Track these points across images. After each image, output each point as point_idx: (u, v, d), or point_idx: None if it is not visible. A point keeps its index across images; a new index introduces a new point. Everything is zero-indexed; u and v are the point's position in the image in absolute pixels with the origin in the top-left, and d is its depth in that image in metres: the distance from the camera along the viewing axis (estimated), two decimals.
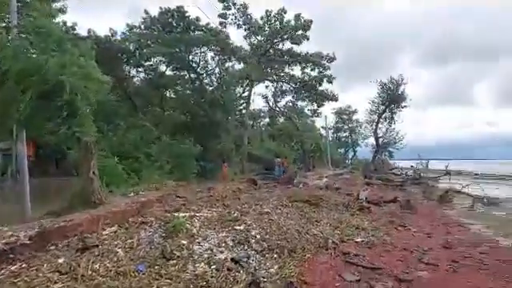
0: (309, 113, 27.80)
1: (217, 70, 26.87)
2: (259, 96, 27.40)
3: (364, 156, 41.81)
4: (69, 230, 5.16)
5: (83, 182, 8.59)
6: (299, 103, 25.51)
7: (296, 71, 22.28)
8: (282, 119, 30.68)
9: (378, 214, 10.94)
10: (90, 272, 4.14)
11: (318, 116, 29.99)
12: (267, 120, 30.83)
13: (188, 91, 27.55)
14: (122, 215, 6.67)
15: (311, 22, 19.51)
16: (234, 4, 22.15)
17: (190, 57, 26.19)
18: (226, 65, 26.36)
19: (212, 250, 5.36)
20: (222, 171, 18.26)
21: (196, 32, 24.34)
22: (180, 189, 11.76)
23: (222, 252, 5.39)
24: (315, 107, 25.48)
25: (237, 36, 27.40)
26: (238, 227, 6.78)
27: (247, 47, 22.03)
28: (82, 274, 4.06)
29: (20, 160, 10.11)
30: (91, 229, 5.76)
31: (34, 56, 7.51)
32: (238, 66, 25.44)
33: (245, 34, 22.49)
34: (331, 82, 21.01)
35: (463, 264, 6.17)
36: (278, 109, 28.28)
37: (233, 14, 22.87)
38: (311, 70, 21.45)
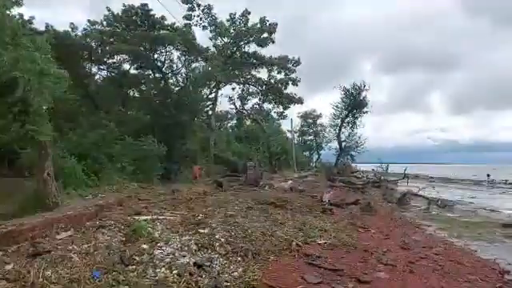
0: (275, 115, 28.13)
1: (183, 70, 26.48)
2: (226, 98, 27.39)
3: (327, 159, 42.81)
4: (18, 234, 4.84)
5: (37, 184, 8.17)
6: (265, 105, 25.74)
7: (262, 74, 22.56)
8: (248, 122, 30.75)
9: (340, 215, 11.17)
10: (41, 279, 3.90)
11: (283, 118, 30.42)
12: (234, 122, 30.78)
13: (152, 91, 26.92)
14: (78, 219, 6.38)
15: (276, 24, 19.79)
16: (199, 5, 21.96)
17: (156, 56, 25.64)
18: (193, 65, 26.03)
19: (174, 255, 5.22)
20: (194, 172, 17.97)
21: (161, 31, 23.82)
22: (142, 191, 11.46)
23: (184, 256, 5.26)
24: (281, 110, 25.82)
25: (202, 37, 27.13)
26: (202, 230, 6.69)
27: (213, 49, 21.87)
28: (31, 282, 3.82)
29: None
30: (44, 233, 5.46)
31: None
32: (205, 67, 25.18)
33: (210, 35, 22.37)
34: (296, 85, 21.47)
35: (419, 264, 6.45)
36: (244, 111, 28.35)
37: (198, 16, 22.68)
38: (277, 73, 21.74)
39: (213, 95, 26.23)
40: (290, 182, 16.45)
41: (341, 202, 13.16)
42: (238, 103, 26.74)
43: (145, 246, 5.40)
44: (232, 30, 21.23)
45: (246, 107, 27.34)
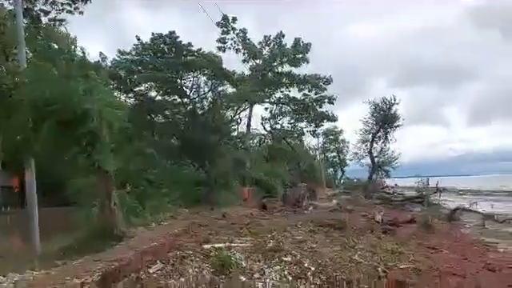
0: (307, 133, 27.88)
1: (209, 93, 26.73)
2: (254, 117, 27.30)
3: (353, 175, 42.16)
4: (122, 270, 4.66)
5: (104, 214, 8.04)
6: (298, 124, 25.56)
7: (293, 92, 22.53)
8: (269, 141, 30.58)
9: (402, 235, 10.70)
10: None
11: (316, 137, 30.12)
12: (264, 141, 30.63)
13: (178, 115, 27.16)
14: (160, 250, 6.17)
15: (310, 45, 19.84)
16: (234, 29, 22.28)
17: (183, 81, 25.99)
18: (220, 88, 26.26)
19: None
20: (243, 193, 17.80)
21: (188, 57, 24.25)
22: (196, 217, 11.26)
23: None
24: (313, 128, 25.62)
25: (235, 60, 27.58)
26: (285, 258, 6.37)
27: (246, 71, 22.07)
28: None
29: (29, 191, 9.42)
30: (136, 266, 5.27)
31: (58, 83, 7.02)
32: (231, 90, 25.33)
33: (243, 57, 22.59)
34: (332, 103, 21.33)
35: None
36: (274, 130, 28.23)
37: (232, 39, 23.03)
38: (308, 91, 21.66)
39: (245, 116, 26.31)
40: (335, 201, 16.01)
41: (395, 221, 12.64)
42: (269, 122, 26.77)
43: (243, 278, 5.14)
44: (265, 52, 21.43)
45: (277, 126, 27.32)
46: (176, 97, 26.85)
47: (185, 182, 16.90)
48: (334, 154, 48.65)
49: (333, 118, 22.44)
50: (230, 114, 27.89)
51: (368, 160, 27.23)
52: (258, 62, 21.63)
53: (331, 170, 47.85)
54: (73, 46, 8.27)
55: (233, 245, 7.32)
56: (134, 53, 24.54)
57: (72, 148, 7.71)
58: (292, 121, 25.39)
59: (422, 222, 12.24)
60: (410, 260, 7.65)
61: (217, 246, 7.19)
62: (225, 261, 5.67)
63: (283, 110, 24.29)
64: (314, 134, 27.48)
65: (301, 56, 19.95)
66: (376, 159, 26.82)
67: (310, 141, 32.53)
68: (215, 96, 26.67)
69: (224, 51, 22.66)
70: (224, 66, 24.76)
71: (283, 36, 20.67)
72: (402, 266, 7.20)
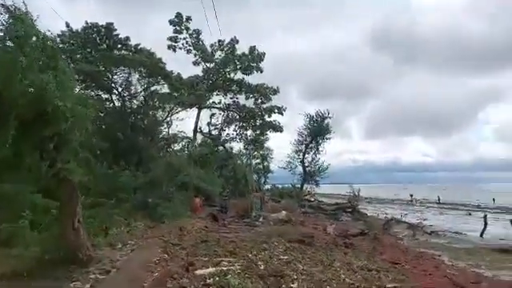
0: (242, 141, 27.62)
1: (142, 93, 24.90)
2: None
3: (276, 182, 43.49)
4: None
5: (66, 234, 6.69)
6: (243, 131, 25.17)
7: (241, 100, 22.12)
8: (211, 146, 29.76)
9: (360, 249, 11.10)
10: None
11: (260, 145, 30.07)
12: (194, 146, 29.48)
13: (108, 114, 24.74)
14: (163, 283, 5.28)
15: (264, 54, 19.69)
16: (188, 29, 20.93)
17: (114, 77, 23.75)
18: (153, 88, 24.65)
19: None
20: (195, 204, 16.49)
21: (122, 51, 22.27)
22: (154, 232, 10.15)
23: None
24: (259, 136, 25.52)
25: (186, 61, 26.00)
26: (292, 285, 5.99)
27: (200, 73, 20.92)
28: None
29: None
30: None
31: (27, 73, 5.57)
32: (165, 90, 23.93)
33: (194, 59, 21.38)
34: (282, 114, 21.47)
35: None
36: (214, 136, 27.44)
37: (184, 39, 21.62)
38: (255, 100, 21.52)
39: (177, 118, 25.05)
40: (284, 212, 16.02)
41: (345, 234, 13.13)
42: (214, 128, 25.86)
43: None
44: (217, 56, 20.63)
45: (225, 133, 26.65)
46: (102, 93, 24.34)
47: (123, 191, 15.24)
48: (259, 160, 49.24)
49: (279, 128, 22.70)
50: (160, 115, 26.44)
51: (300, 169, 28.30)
52: (209, 65, 20.78)
53: (256, 176, 48.38)
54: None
55: (224, 268, 6.66)
56: (58, 40, 21.58)
57: (34, 153, 6.28)
58: (237, 128, 25.01)
59: (370, 235, 12.92)
60: (391, 279, 7.90)
61: (208, 271, 6.48)
62: None
63: (230, 116, 23.79)
64: (257, 142, 27.48)
65: (255, 65, 19.76)
66: (307, 169, 27.95)
67: (238, 147, 32.42)
68: (148, 95, 24.90)
69: (175, 50, 21.29)
70: (173, 66, 23.40)
71: (237, 42, 20.23)
72: (388, 286, 7.37)
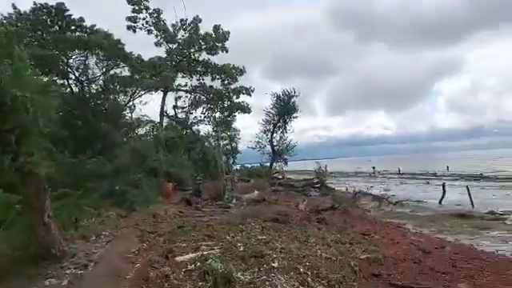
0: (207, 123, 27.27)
1: (101, 77, 23.80)
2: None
3: (244, 162, 43.84)
4: None
5: (35, 230, 6.40)
6: (211, 113, 24.72)
7: (207, 81, 21.58)
8: (177, 129, 29.21)
9: (332, 223, 11.50)
10: None
11: (228, 127, 29.89)
12: (158, 130, 28.87)
13: (66, 101, 23.48)
14: (144, 271, 5.21)
15: (229, 33, 19.04)
16: (147, 8, 19.79)
17: (69, 61, 22.43)
18: (112, 72, 23.59)
19: None
20: (167, 189, 16.13)
21: (77, 33, 20.97)
22: (128, 221, 9.94)
23: None
24: (227, 118, 25.23)
25: (147, 42, 24.74)
26: (274, 264, 6.12)
27: (163, 55, 20.03)
28: None
29: None
30: None
31: None
32: (126, 73, 22.98)
33: (155, 40, 20.39)
34: (250, 95, 21.15)
35: (463, 267, 7.08)
36: (179, 118, 26.86)
37: (143, 19, 20.43)
38: (221, 81, 21.06)
39: (140, 102, 24.30)
40: (257, 192, 16.20)
41: (316, 209, 13.51)
42: (181, 111, 25.18)
43: None
44: (180, 36, 19.80)
45: (192, 116, 26.04)
46: (58, 78, 22.96)
47: (90, 180, 14.68)
48: (227, 141, 49.16)
49: (248, 110, 22.51)
50: (122, 99, 25.55)
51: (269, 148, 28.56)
52: (171, 46, 19.97)
53: (224, 157, 48.33)
54: None
55: (204, 253, 6.68)
56: (4, 22, 19.91)
57: None
58: (204, 111, 24.56)
59: (341, 209, 13.40)
60: (364, 250, 8.29)
61: (188, 257, 6.48)
62: (225, 277, 5.10)
63: (197, 98, 23.22)
64: (226, 124, 27.25)
65: (220, 45, 19.20)
66: (276, 148, 28.24)
67: (206, 130, 32.12)
68: (107, 79, 23.81)
69: (134, 31, 20.25)
70: (133, 48, 22.27)
71: (200, 21, 19.45)
72: (362, 257, 7.74)
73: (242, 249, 7.11)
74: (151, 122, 30.27)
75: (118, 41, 21.40)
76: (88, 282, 4.73)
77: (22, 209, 6.98)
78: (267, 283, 5.24)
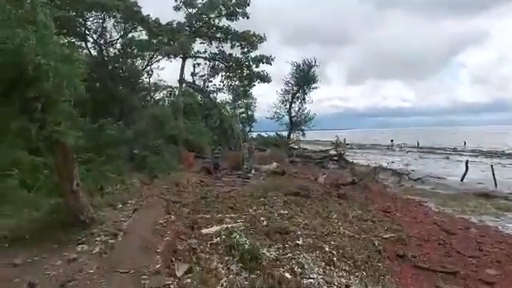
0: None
1: (119, 40, 23.50)
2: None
3: (260, 130, 43.67)
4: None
5: (65, 198, 6.51)
6: (230, 82, 24.34)
7: (226, 48, 21.03)
8: (193, 95, 29.02)
9: (352, 198, 11.42)
10: None
11: (248, 96, 29.61)
12: (175, 95, 28.74)
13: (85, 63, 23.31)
14: (173, 243, 5.28)
15: None
16: None
17: (87, 23, 22.13)
18: (130, 35, 23.22)
19: (327, 281, 4.68)
20: (188, 159, 16.27)
21: None
22: (151, 188, 10.07)
23: (331, 280, 4.77)
24: (245, 87, 24.84)
25: (166, 6, 23.86)
26: (298, 242, 6.12)
27: (182, 20, 19.45)
28: None
29: None
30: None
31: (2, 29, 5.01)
32: (144, 37, 22.55)
33: (175, 4, 19.75)
34: (270, 63, 20.53)
35: (493, 253, 6.95)
36: (197, 86, 26.60)
37: None
38: (241, 48, 20.51)
39: (157, 67, 24.14)
40: (275, 163, 16.17)
41: (336, 183, 13.41)
42: (199, 78, 24.89)
43: (288, 276, 4.72)
44: (200, 1, 19.09)
45: (210, 84, 25.74)
46: (76, 40, 22.76)
47: (112, 146, 14.83)
48: (243, 109, 48.83)
49: (267, 79, 22.02)
50: (140, 63, 25.40)
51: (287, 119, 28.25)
52: (191, 10, 19.36)
53: (240, 125, 48.28)
54: None
55: (229, 226, 6.73)
56: None
57: (19, 117, 5.85)
58: (223, 79, 24.15)
59: (361, 184, 13.27)
60: (387, 229, 8.22)
61: (214, 229, 6.54)
62: (253, 253, 5.12)
63: (215, 66, 22.78)
64: (245, 93, 26.90)
65: (240, 10, 18.49)
66: (294, 119, 27.90)
67: (223, 97, 31.85)
68: (125, 43, 23.52)
69: None
70: (151, 11, 21.71)
71: None
72: (385, 236, 7.68)
73: (265, 223, 7.12)
74: (169, 87, 30.28)
75: (135, 3, 20.86)
76: (120, 252, 4.80)
77: (51, 175, 7.10)
78: (293, 261, 5.23)
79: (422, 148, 45.63)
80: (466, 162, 18.62)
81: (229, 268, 4.90)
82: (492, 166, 17.51)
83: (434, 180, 17.76)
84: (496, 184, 16.13)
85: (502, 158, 30.80)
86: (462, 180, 17.73)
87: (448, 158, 31.63)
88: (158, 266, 4.36)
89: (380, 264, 5.92)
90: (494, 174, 16.64)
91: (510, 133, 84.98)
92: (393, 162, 19.51)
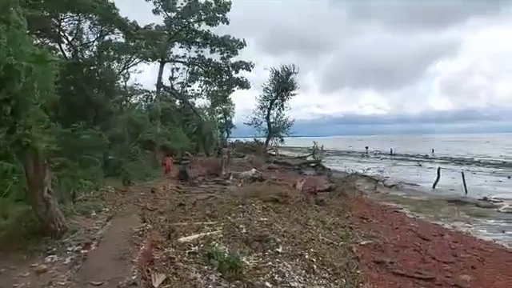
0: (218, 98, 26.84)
1: (95, 43, 22.95)
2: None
3: (238, 136, 43.68)
4: None
5: (34, 206, 6.21)
6: (209, 87, 24.14)
7: (205, 53, 20.85)
8: (169, 100, 28.65)
9: (330, 205, 11.48)
10: None
11: (226, 102, 29.46)
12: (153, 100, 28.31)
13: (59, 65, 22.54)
14: (149, 252, 5.10)
15: (230, 3, 18.13)
16: None
17: (61, 24, 21.47)
18: (107, 37, 22.72)
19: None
20: (167, 164, 15.88)
21: None
22: (126, 196, 9.78)
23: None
24: (224, 92, 24.71)
25: (145, 10, 23.58)
26: (278, 250, 6.07)
27: (161, 23, 19.16)
28: None
29: None
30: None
31: None
32: (121, 40, 22.15)
33: (154, 7, 19.42)
34: (249, 70, 20.52)
35: (465, 257, 7.14)
36: (174, 90, 26.24)
37: None
38: (221, 53, 20.40)
39: (134, 71, 23.70)
40: (254, 170, 16.12)
41: (314, 190, 13.46)
42: (176, 83, 24.53)
43: (268, 285, 4.65)
44: (179, 5, 18.89)
45: (188, 88, 25.46)
46: (49, 41, 22.03)
47: (85, 151, 14.34)
48: (221, 115, 48.66)
49: (247, 85, 21.97)
50: (116, 66, 24.87)
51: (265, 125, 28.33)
52: (170, 14, 19.11)
53: (219, 131, 47.99)
54: None
55: (207, 234, 6.60)
56: None
57: None
58: (202, 84, 23.95)
59: (338, 191, 13.39)
60: (364, 235, 8.31)
61: (191, 238, 6.39)
62: (233, 262, 5.02)
63: (194, 71, 22.55)
64: (224, 99, 26.80)
65: (220, 15, 18.39)
66: (272, 125, 28.02)
67: (201, 103, 31.64)
68: (101, 45, 22.98)
69: None
70: (130, 14, 21.27)
71: None
72: (363, 243, 7.76)
73: (244, 231, 7.02)
74: (146, 91, 29.73)
75: (113, 4, 20.45)
76: (93, 263, 4.59)
77: (20, 181, 6.77)
78: (273, 270, 5.16)
79: (395, 155, 46.79)
80: (438, 169, 19.20)
81: (208, 278, 4.78)
82: (463, 172, 18.13)
83: (408, 187, 18.20)
84: (466, 190, 16.69)
85: (471, 165, 32.03)
86: (434, 186, 18.26)
87: (420, 165, 32.63)
88: (134, 277, 4.18)
89: (359, 271, 5.94)
90: (464, 181, 17.23)
91: (478, 140, 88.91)
92: (368, 169, 19.81)
